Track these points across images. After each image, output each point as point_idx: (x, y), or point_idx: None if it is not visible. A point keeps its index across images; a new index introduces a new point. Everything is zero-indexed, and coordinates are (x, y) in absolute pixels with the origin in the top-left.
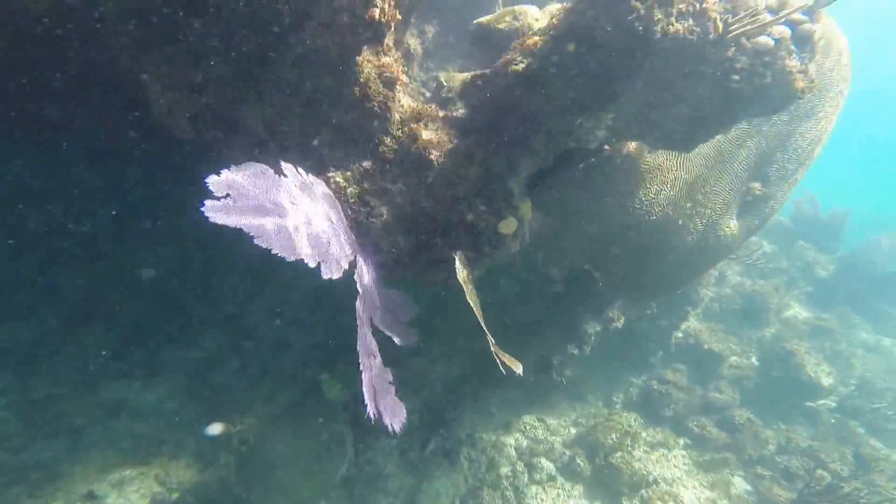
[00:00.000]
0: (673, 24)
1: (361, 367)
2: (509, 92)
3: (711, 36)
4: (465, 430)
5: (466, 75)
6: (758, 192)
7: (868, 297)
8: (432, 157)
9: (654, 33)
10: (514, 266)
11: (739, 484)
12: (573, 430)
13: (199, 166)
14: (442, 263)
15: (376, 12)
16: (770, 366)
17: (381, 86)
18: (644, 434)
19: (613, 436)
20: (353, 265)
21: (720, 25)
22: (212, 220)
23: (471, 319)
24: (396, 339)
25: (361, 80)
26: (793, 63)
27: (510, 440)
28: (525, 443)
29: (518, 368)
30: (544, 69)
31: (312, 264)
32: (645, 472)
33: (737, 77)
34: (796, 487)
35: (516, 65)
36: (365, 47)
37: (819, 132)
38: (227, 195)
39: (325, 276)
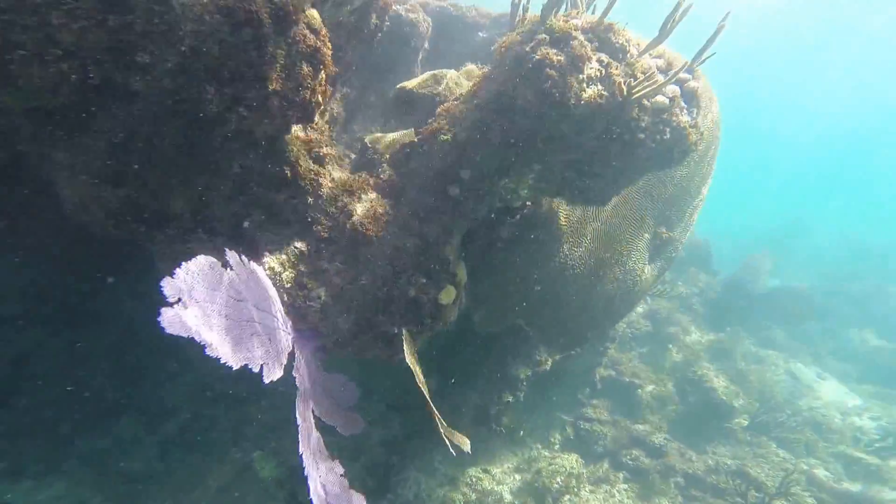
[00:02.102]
0: (585, 90)
1: (307, 473)
2: (438, 160)
3: (618, 99)
4: (412, 490)
5: (393, 137)
6: (664, 236)
7: (751, 314)
8: (369, 232)
9: (570, 99)
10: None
11: None
12: (518, 477)
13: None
14: (384, 340)
15: (308, 94)
16: (685, 391)
17: (311, 163)
18: (586, 472)
19: (559, 479)
20: (291, 357)
21: (624, 88)
22: (169, 331)
23: (408, 377)
24: (340, 429)
25: (291, 158)
26: (685, 119)
27: (458, 496)
28: (473, 496)
29: (466, 446)
30: (470, 137)
31: (257, 368)
32: None
33: (642, 135)
34: None
35: (444, 134)
36: (294, 126)
37: (705, 175)
38: (179, 300)
39: (268, 379)
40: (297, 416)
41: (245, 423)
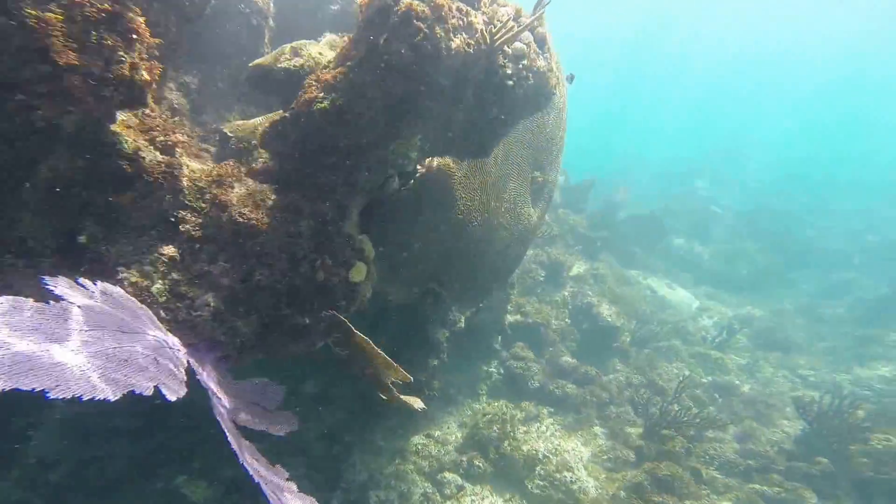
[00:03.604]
0: (453, 40)
1: (258, 482)
2: (319, 132)
3: (483, 47)
4: (363, 472)
5: (256, 122)
6: (540, 180)
7: (614, 241)
8: (253, 222)
9: (441, 50)
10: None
11: (600, 433)
12: (459, 435)
13: None
14: (297, 333)
15: (126, 69)
16: (579, 320)
17: (157, 154)
18: (517, 414)
19: (495, 428)
20: (190, 372)
21: (486, 36)
22: None
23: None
24: (273, 431)
25: (127, 151)
26: (542, 63)
27: (409, 466)
28: (424, 463)
29: (418, 404)
30: (350, 102)
31: (149, 391)
32: (534, 452)
33: (510, 82)
34: (643, 416)
35: (321, 102)
36: (119, 113)
37: (562, 120)
38: None
39: (172, 397)
40: (224, 430)
41: (151, 454)
